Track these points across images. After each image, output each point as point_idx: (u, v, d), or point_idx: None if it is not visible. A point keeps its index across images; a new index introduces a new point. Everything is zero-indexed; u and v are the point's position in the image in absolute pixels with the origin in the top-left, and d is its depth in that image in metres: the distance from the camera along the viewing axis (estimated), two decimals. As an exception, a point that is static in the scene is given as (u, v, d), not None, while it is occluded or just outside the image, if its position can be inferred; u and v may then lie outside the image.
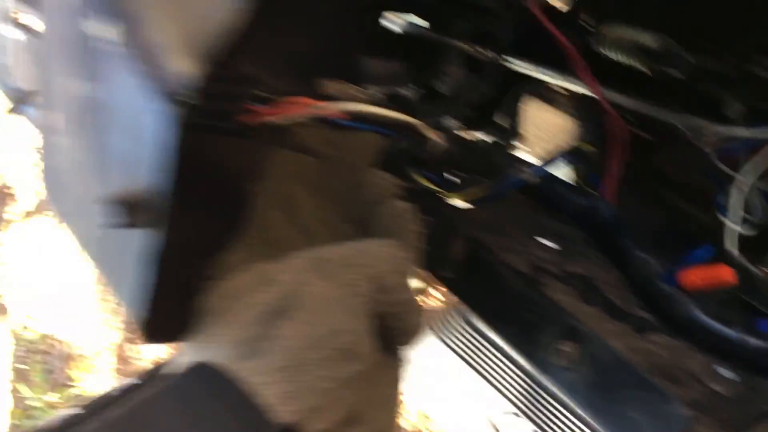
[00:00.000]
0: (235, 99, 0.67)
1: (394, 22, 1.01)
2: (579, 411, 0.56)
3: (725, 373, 0.68)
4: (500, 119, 1.14)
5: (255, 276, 0.54)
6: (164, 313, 0.54)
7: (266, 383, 0.46)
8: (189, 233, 0.71)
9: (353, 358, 0.49)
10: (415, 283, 0.55)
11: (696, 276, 0.72)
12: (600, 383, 0.56)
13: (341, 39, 0.97)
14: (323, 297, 0.50)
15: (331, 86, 0.70)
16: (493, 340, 1.82)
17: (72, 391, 2.77)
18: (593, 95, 0.96)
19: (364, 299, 0.51)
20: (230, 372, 0.47)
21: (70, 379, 2.79)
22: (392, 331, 0.54)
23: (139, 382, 0.61)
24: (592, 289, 0.75)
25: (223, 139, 0.68)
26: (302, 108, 0.69)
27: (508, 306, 0.63)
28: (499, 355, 1.73)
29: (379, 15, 0.99)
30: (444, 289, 0.69)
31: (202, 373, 0.48)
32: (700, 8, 1.07)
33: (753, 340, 0.68)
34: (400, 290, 0.53)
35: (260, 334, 0.48)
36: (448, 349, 2.01)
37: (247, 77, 0.69)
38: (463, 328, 1.90)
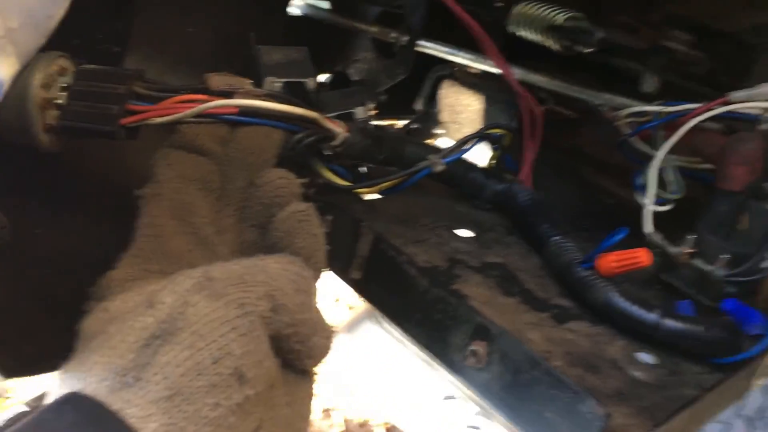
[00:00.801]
0: (112, 98, 0.62)
1: (297, 6, 0.96)
2: (495, 411, 0.53)
3: (646, 358, 0.66)
4: (418, 105, 1.10)
5: (141, 297, 0.48)
6: (28, 339, 0.48)
7: (144, 416, 0.42)
8: (62, 245, 0.66)
9: (245, 383, 0.45)
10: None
11: (613, 260, 0.70)
12: (514, 383, 0.53)
13: (243, 28, 0.92)
14: (209, 318, 0.45)
15: (222, 80, 0.65)
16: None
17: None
18: (504, 76, 0.94)
19: (258, 319, 0.46)
20: (106, 404, 0.42)
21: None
22: (294, 353, 0.50)
23: (27, 410, 0.56)
24: (511, 280, 0.72)
25: (102, 142, 0.62)
26: (190, 106, 0.64)
27: (416, 307, 0.60)
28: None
29: (286, 2, 0.95)
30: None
31: (71, 404, 0.43)
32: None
33: (672, 322, 0.67)
34: (300, 310, 0.48)
35: (140, 362, 0.43)
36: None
37: (126, 73, 0.64)
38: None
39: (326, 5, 0.97)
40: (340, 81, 0.97)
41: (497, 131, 0.82)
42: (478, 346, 0.55)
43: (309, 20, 0.97)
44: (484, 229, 0.81)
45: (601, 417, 0.49)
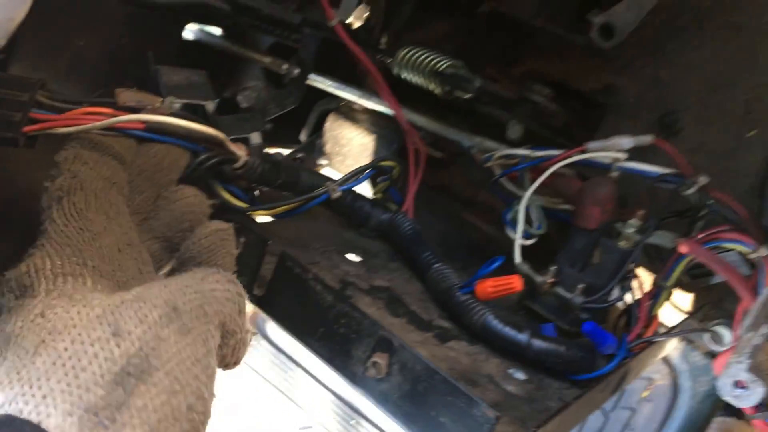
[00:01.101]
0: (15, 105, 0.61)
1: (191, 31, 0.97)
2: (392, 420, 0.57)
3: (517, 374, 0.73)
4: (304, 136, 1.14)
5: (95, 313, 0.45)
6: None
7: None
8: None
9: (207, 419, 0.46)
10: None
11: (490, 285, 0.77)
12: (411, 392, 0.58)
13: (137, 47, 0.92)
14: (181, 357, 0.44)
15: (131, 95, 0.66)
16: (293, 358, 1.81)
17: None
18: (393, 114, 1.00)
19: (214, 349, 0.48)
20: None
21: None
22: (224, 364, 0.51)
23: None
24: (397, 302, 0.77)
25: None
26: (97, 118, 0.64)
27: (321, 321, 0.63)
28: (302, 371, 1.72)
29: (182, 25, 0.96)
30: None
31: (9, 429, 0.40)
32: (485, 35, 1.17)
33: (538, 343, 0.75)
34: (240, 330, 0.51)
35: (112, 401, 0.41)
36: (251, 370, 1.96)
37: (29, 82, 0.63)
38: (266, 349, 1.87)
39: (219, 32, 0.99)
40: (228, 107, 0.99)
41: (389, 163, 0.88)
42: (380, 358, 0.59)
43: (202, 45, 0.98)
44: (370, 255, 0.86)
45: (491, 420, 0.54)
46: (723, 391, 0.60)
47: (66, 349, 0.42)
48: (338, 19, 0.86)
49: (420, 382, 0.57)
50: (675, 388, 1.10)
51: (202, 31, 0.98)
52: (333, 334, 0.62)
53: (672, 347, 0.95)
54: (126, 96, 0.66)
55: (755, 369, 0.58)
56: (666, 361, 1.10)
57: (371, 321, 0.61)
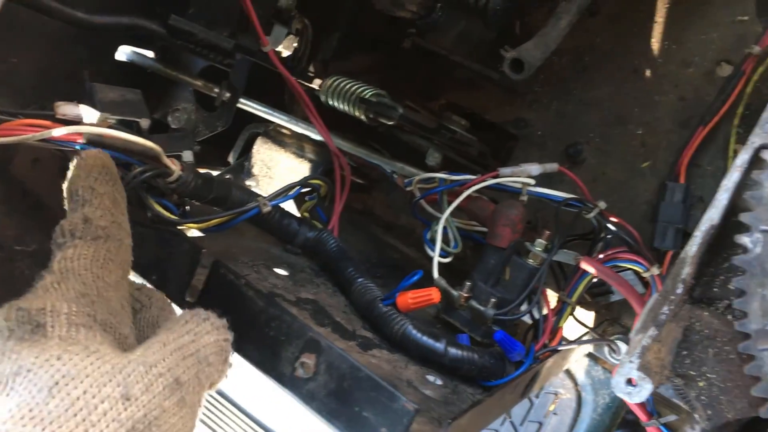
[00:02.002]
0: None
1: (124, 52, 1.00)
2: (319, 417, 0.61)
3: (434, 380, 0.78)
4: (232, 158, 1.18)
5: (108, 375, 0.46)
6: None
7: None
8: None
9: None
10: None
11: (410, 297, 0.82)
12: (337, 389, 0.62)
13: (70, 65, 0.94)
14: (177, 428, 0.48)
15: (71, 109, 0.68)
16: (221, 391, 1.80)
17: None
18: (322, 139, 1.05)
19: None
20: None
21: None
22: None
23: None
24: (322, 312, 0.81)
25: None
26: (35, 130, 0.66)
27: (251, 325, 0.66)
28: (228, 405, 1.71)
29: (115, 46, 0.98)
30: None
31: None
32: (406, 69, 1.24)
33: (454, 351, 0.80)
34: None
35: None
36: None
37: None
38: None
39: (152, 54, 1.02)
40: (158, 128, 1.01)
41: (317, 182, 0.93)
42: (308, 359, 0.63)
43: (134, 67, 1.01)
44: (297, 270, 0.89)
45: (410, 412, 0.59)
46: (617, 388, 0.67)
47: (78, 399, 0.44)
48: (271, 46, 0.90)
49: (345, 380, 0.62)
50: (579, 402, 1.17)
51: (134, 52, 1.00)
52: (263, 336, 0.65)
53: (575, 360, 1.02)
54: (65, 108, 0.69)
55: (644, 368, 0.65)
56: (570, 376, 1.18)
57: (300, 323, 0.65)
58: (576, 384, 1.18)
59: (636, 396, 0.67)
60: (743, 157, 0.63)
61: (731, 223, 0.65)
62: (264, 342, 0.65)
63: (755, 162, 0.62)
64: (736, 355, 0.63)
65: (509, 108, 1.17)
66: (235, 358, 0.67)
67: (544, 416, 1.20)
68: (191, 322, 0.55)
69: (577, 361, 1.19)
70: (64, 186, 0.61)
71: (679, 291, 0.65)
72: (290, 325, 0.65)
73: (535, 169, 0.97)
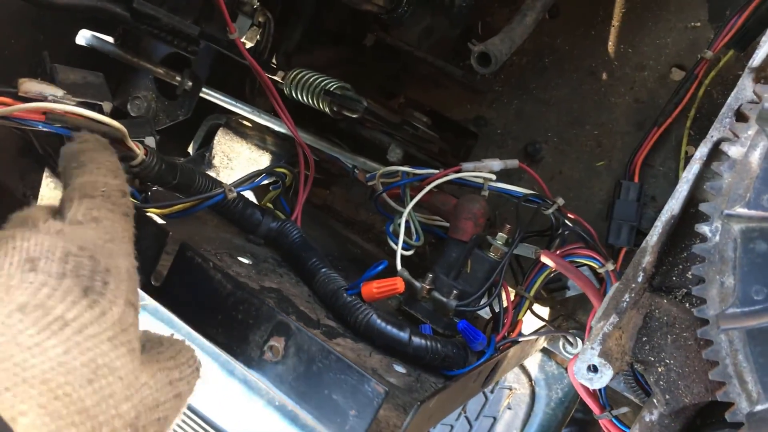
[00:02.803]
0: None
1: (84, 37, 0.98)
2: (288, 400, 0.61)
3: (399, 368, 0.79)
4: (192, 149, 1.16)
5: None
6: None
7: None
8: None
9: None
10: None
11: (375, 286, 0.83)
12: (306, 372, 0.62)
13: (29, 47, 0.91)
14: None
15: (35, 86, 0.66)
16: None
17: None
18: (285, 131, 1.05)
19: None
20: None
21: None
22: None
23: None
24: (286, 301, 0.81)
25: None
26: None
27: (218, 309, 0.66)
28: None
29: (76, 29, 0.96)
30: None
31: None
32: (369, 65, 1.24)
33: (417, 340, 0.81)
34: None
35: None
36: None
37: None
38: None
39: (112, 39, 1.00)
40: (117, 116, 0.99)
41: (283, 170, 0.92)
42: (276, 342, 0.62)
43: (94, 51, 0.99)
44: (260, 259, 0.89)
45: (380, 394, 0.59)
46: (578, 375, 0.68)
47: None
48: (237, 34, 0.90)
49: (314, 362, 0.62)
50: (532, 397, 1.20)
51: (94, 37, 0.98)
52: (231, 320, 0.65)
53: (533, 354, 1.04)
54: (28, 85, 0.67)
55: (605, 354, 0.67)
56: (525, 371, 1.20)
57: (269, 307, 0.64)
58: (530, 379, 1.20)
59: (597, 382, 0.68)
60: (703, 150, 0.65)
61: (689, 214, 0.68)
62: (232, 326, 0.65)
63: (714, 155, 0.65)
64: (694, 341, 0.65)
65: (470, 106, 1.19)
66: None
67: (498, 411, 1.22)
68: (168, 356, 0.51)
69: (532, 356, 1.21)
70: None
71: (640, 279, 0.67)
72: (259, 308, 0.64)
73: (496, 164, 0.99)
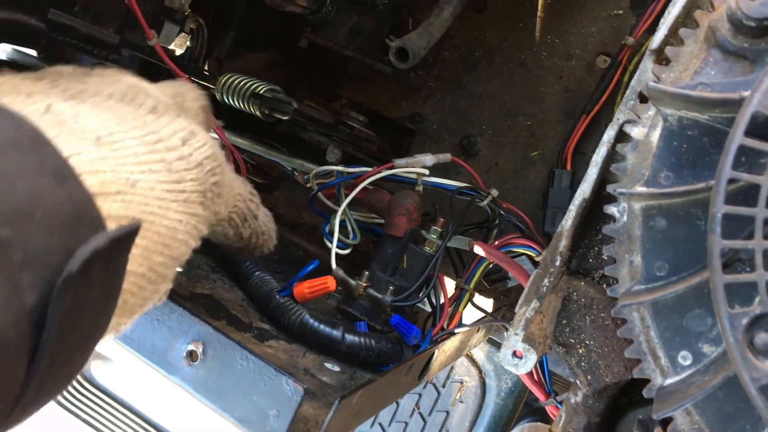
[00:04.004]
0: None
1: (4, 51, 0.96)
2: (208, 404, 0.60)
3: (332, 367, 0.79)
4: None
5: None
6: None
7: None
8: None
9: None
10: None
11: (306, 286, 0.83)
12: (225, 375, 0.61)
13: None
14: None
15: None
16: (113, 394, 1.74)
17: None
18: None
19: None
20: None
21: None
22: None
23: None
24: (217, 307, 0.80)
25: None
26: None
27: (141, 319, 0.65)
28: (121, 408, 1.67)
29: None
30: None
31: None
32: (304, 68, 1.24)
33: (351, 337, 0.81)
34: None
35: None
36: (67, 412, 1.87)
37: None
38: (81, 386, 1.79)
39: (34, 53, 0.99)
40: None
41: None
42: (195, 347, 0.62)
43: (15, 65, 0.97)
44: (192, 267, 0.88)
45: (299, 392, 0.59)
46: (504, 361, 0.69)
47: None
48: (157, 40, 0.89)
49: (232, 365, 0.61)
50: (483, 388, 1.20)
51: (15, 50, 0.97)
52: (151, 327, 0.64)
53: (476, 346, 1.05)
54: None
55: (528, 339, 0.68)
56: (474, 363, 1.21)
57: (188, 313, 0.64)
58: (480, 371, 1.21)
59: (522, 367, 0.69)
60: (609, 133, 0.66)
61: (603, 197, 0.69)
62: (153, 332, 0.64)
63: (620, 137, 0.66)
64: (611, 321, 0.66)
65: (406, 104, 1.19)
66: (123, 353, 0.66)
67: (450, 405, 1.23)
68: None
69: (481, 348, 1.22)
70: None
71: (558, 263, 0.67)
72: (181, 315, 0.64)
73: (429, 159, 1.00)
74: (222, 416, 0.61)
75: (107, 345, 0.66)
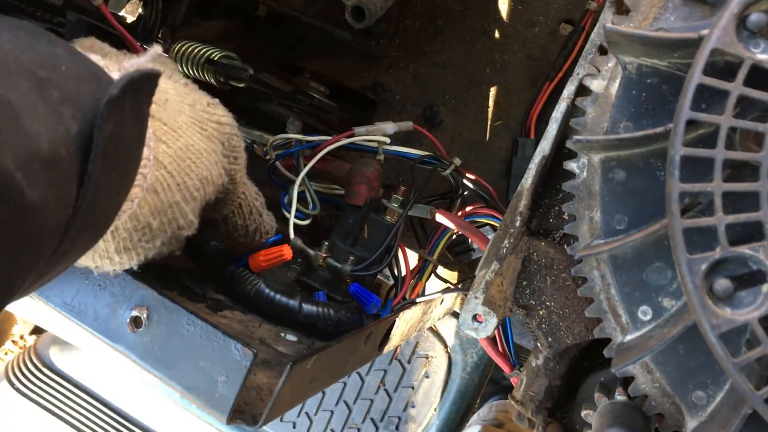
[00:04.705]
0: None
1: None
2: (155, 371, 0.58)
3: (290, 336, 0.76)
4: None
5: None
6: None
7: None
8: None
9: None
10: None
11: (261, 255, 0.80)
12: (172, 341, 0.58)
13: None
14: None
15: None
16: (75, 381, 1.70)
17: None
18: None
19: None
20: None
21: None
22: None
23: None
24: (170, 277, 0.77)
25: None
26: None
27: (78, 283, 0.62)
28: (83, 394, 1.63)
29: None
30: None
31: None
32: (263, 37, 1.21)
33: (308, 307, 0.78)
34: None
35: None
36: (27, 400, 1.82)
37: None
38: (42, 373, 1.74)
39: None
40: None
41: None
42: (139, 312, 0.59)
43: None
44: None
45: (248, 356, 0.57)
46: (464, 326, 0.67)
47: None
48: (101, 1, 0.85)
49: (179, 331, 0.58)
50: (449, 363, 1.19)
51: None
52: (93, 293, 0.61)
53: (440, 318, 1.03)
54: None
55: (489, 303, 0.66)
56: (440, 338, 1.19)
57: (132, 277, 0.61)
58: (445, 346, 1.19)
59: (483, 331, 0.67)
60: (570, 89, 0.65)
61: (564, 155, 0.67)
62: (94, 298, 0.61)
63: (581, 91, 0.64)
64: (572, 281, 0.64)
65: (368, 74, 1.17)
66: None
67: (416, 380, 1.21)
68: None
69: (446, 323, 1.20)
70: None
71: (517, 224, 0.66)
72: (124, 278, 0.61)
73: (389, 127, 0.97)
74: (169, 384, 0.58)
75: (68, 331, 0.63)
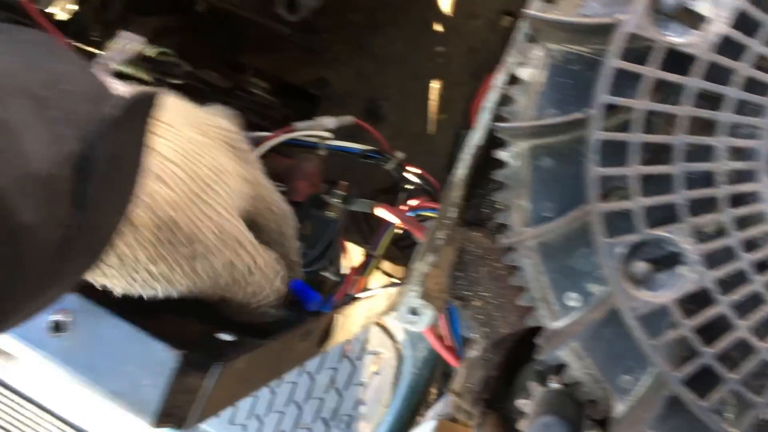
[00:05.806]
0: None
1: None
2: (79, 377, 0.56)
3: (226, 337, 0.75)
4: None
5: None
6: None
7: None
8: None
9: None
10: None
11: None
12: (96, 345, 0.57)
13: None
14: None
15: None
16: (17, 390, 1.65)
17: None
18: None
19: None
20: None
21: None
22: None
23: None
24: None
25: None
26: None
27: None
28: (26, 403, 1.58)
29: None
30: None
31: None
32: (203, 34, 1.19)
33: (248, 306, 0.77)
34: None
35: None
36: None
37: None
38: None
39: None
40: None
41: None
42: (62, 316, 0.57)
43: None
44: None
45: (174, 358, 0.55)
46: (401, 319, 0.66)
47: None
48: (29, -3, 0.82)
49: (103, 335, 0.57)
50: (399, 359, 1.18)
51: None
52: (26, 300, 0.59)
53: (386, 313, 1.02)
54: None
55: (425, 295, 0.65)
56: (389, 334, 1.19)
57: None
58: (395, 341, 1.19)
59: (420, 324, 0.66)
60: (501, 78, 0.64)
61: (497, 144, 0.67)
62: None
63: (513, 80, 0.64)
64: (506, 270, 0.64)
65: (310, 69, 1.15)
66: None
67: (366, 378, 1.20)
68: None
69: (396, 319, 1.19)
70: None
71: (452, 215, 0.65)
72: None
73: (330, 122, 0.96)
74: (94, 390, 0.56)
75: (10, 343, 0.62)
